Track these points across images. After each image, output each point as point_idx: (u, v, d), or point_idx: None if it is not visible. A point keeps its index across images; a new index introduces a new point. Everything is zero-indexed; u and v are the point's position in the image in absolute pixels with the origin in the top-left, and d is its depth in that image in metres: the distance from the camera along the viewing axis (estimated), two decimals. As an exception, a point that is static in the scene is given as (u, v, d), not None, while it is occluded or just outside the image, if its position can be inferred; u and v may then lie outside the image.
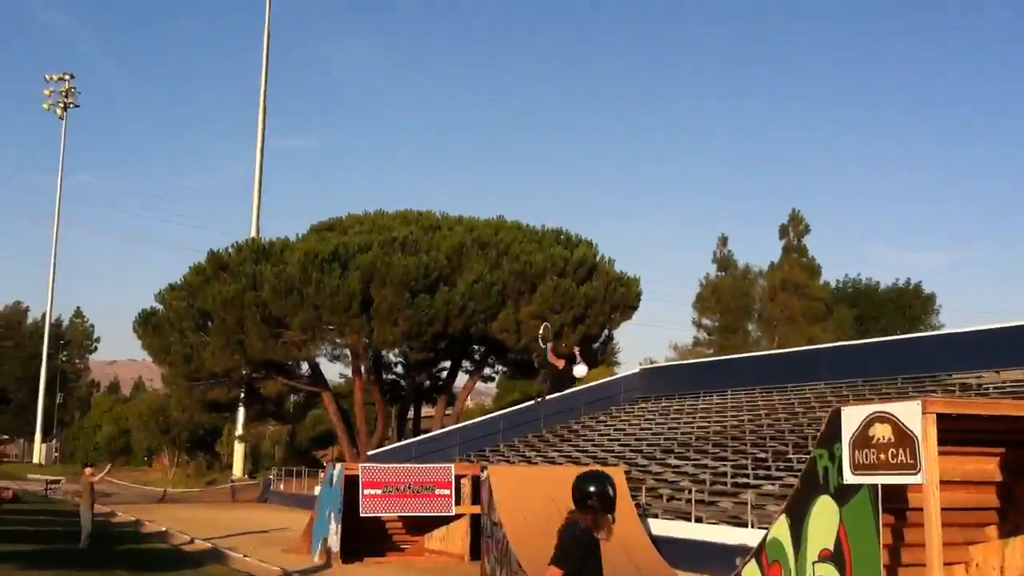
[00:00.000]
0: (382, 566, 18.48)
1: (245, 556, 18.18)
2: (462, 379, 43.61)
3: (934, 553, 7.40)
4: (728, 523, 18.69)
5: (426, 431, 38.96)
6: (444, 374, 43.46)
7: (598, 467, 17.71)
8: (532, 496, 15.54)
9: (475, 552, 17.67)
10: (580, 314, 36.66)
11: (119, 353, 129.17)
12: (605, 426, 32.70)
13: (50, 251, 77.57)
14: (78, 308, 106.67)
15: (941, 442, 7.60)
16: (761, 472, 21.56)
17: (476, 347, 40.93)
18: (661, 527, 18.82)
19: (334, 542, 18.40)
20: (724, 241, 57.12)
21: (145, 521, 27.72)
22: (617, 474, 16.38)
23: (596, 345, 41.25)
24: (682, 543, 17.67)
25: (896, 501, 8.23)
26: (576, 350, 14.11)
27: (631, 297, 39.89)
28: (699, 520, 19.25)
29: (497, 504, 15.87)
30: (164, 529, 24.83)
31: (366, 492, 17.93)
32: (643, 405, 34.58)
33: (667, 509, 20.75)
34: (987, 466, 8.78)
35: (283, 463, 49.01)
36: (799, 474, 9.96)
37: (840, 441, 8.33)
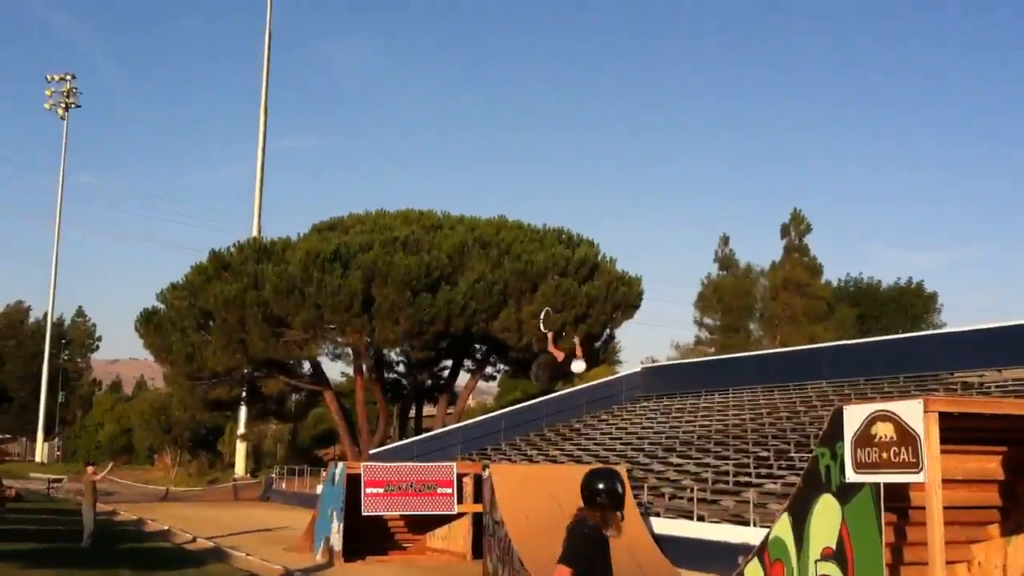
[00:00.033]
0: (384, 565, 18.48)
1: (247, 555, 18.20)
2: (463, 378, 43.66)
3: (936, 552, 7.40)
4: (730, 522, 18.70)
5: (428, 430, 38.98)
6: (446, 373, 43.48)
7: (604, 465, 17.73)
8: (534, 495, 15.55)
9: (477, 551, 17.68)
10: (582, 313, 36.64)
11: (121, 352, 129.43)
12: (607, 425, 32.72)
13: (52, 251, 77.72)
14: (80, 307, 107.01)
15: (943, 441, 7.60)
16: (763, 471, 21.57)
17: (478, 346, 40.92)
18: (663, 526, 18.83)
19: (336, 541, 18.42)
20: (726, 240, 57.15)
21: (147, 520, 27.76)
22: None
23: (598, 344, 41.23)
24: (684, 542, 17.68)
25: (898, 500, 8.24)
26: (578, 346, 14.02)
27: (633, 296, 39.87)
28: (701, 519, 19.26)
29: (499, 503, 15.87)
30: (166, 528, 24.86)
31: (368, 491, 17.94)
32: (645, 404, 34.59)
33: (669, 508, 20.77)
34: (989, 465, 8.78)
35: (285, 462, 49.04)
36: (801, 473, 9.96)
37: (842, 440, 8.33)
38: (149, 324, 39.80)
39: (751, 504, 18.35)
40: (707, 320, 55.97)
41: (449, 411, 42.16)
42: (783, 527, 9.18)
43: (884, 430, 7.89)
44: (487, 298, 35.86)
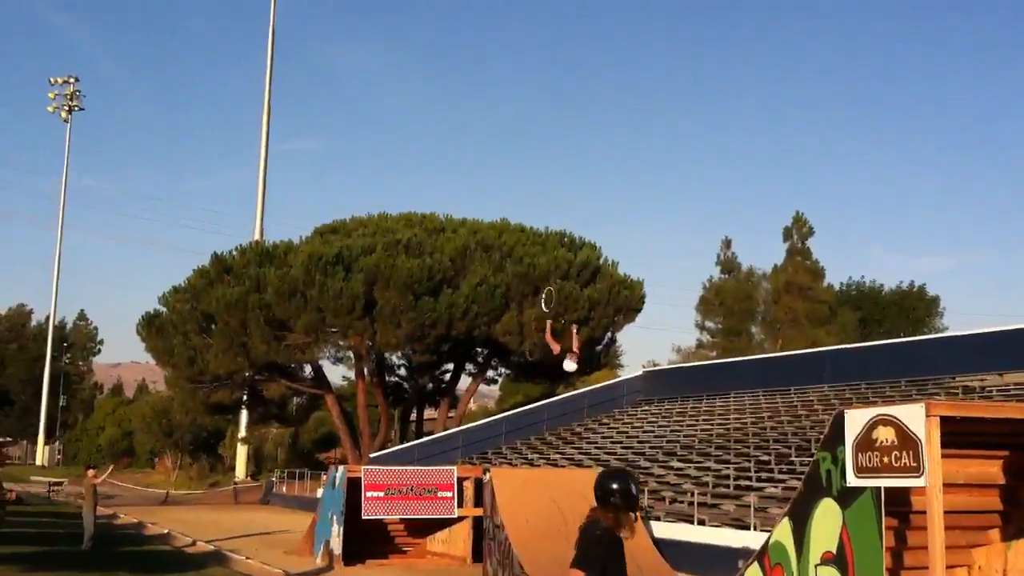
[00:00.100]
0: (384, 568, 18.47)
1: (247, 558, 18.18)
2: (465, 381, 43.66)
3: (937, 556, 7.38)
4: (731, 526, 18.67)
5: (429, 433, 38.94)
6: (447, 376, 43.47)
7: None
8: (534, 499, 15.54)
9: (477, 554, 17.66)
10: (584, 317, 36.61)
11: (122, 355, 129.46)
12: (608, 428, 32.68)
13: (54, 254, 77.85)
14: (82, 311, 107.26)
15: (944, 445, 7.58)
16: (764, 475, 21.53)
17: (479, 350, 40.91)
18: (664, 530, 18.80)
19: (336, 544, 18.40)
20: (728, 244, 57.09)
21: (147, 523, 27.75)
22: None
23: (599, 348, 41.24)
24: (685, 546, 17.66)
25: (899, 504, 8.22)
26: (575, 339, 13.80)
27: (635, 300, 39.85)
28: (702, 523, 19.23)
29: (499, 506, 15.86)
30: (166, 531, 24.85)
31: (368, 494, 17.92)
32: (646, 408, 34.56)
33: (670, 512, 20.74)
34: (990, 469, 8.76)
35: (286, 465, 49.04)
36: (802, 477, 9.94)
37: (843, 444, 8.31)
38: (151, 327, 39.82)
39: (752, 508, 18.33)
40: (709, 324, 55.93)
41: (450, 415, 42.13)
42: (784, 531, 9.16)
43: (885, 434, 7.87)
44: (489, 301, 35.85)
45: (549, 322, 13.96)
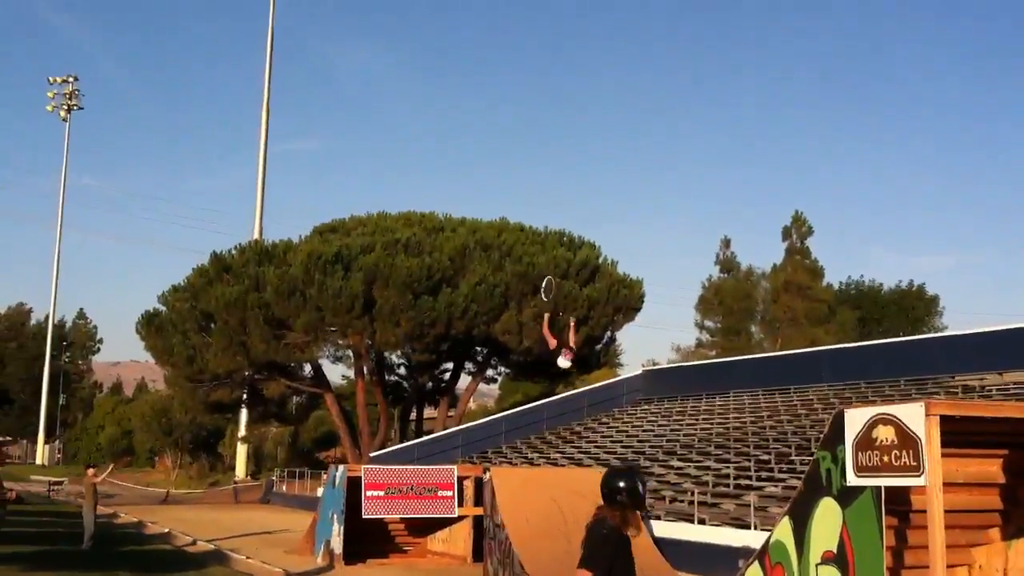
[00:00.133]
0: (385, 568, 18.48)
1: (248, 558, 18.18)
2: (464, 381, 43.65)
3: (937, 555, 7.39)
4: (731, 525, 18.67)
5: (428, 432, 38.95)
6: (447, 375, 43.46)
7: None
8: (535, 498, 15.55)
9: (477, 554, 17.67)
10: (583, 316, 36.60)
11: (122, 354, 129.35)
12: (608, 428, 32.69)
13: (53, 253, 77.79)
14: (81, 310, 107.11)
15: (944, 444, 7.59)
16: (764, 474, 21.54)
17: (479, 349, 40.90)
18: (664, 529, 18.81)
19: (337, 544, 18.41)
20: (727, 243, 57.09)
21: (148, 522, 27.75)
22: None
23: (599, 347, 41.24)
24: (685, 545, 17.67)
25: (899, 503, 8.23)
26: (572, 341, 13.59)
27: (634, 299, 39.85)
28: (702, 522, 19.24)
29: (500, 506, 15.86)
30: (167, 530, 24.85)
31: (368, 494, 17.93)
32: (646, 407, 34.57)
33: (670, 511, 20.74)
34: (990, 468, 8.77)
35: (286, 464, 49.02)
36: (802, 476, 9.95)
37: (843, 443, 8.32)
38: (150, 326, 39.81)
39: (752, 507, 18.33)
40: (708, 323, 55.94)
41: (450, 414, 42.12)
42: (784, 530, 9.17)
43: (885, 433, 7.88)
44: (488, 300, 35.84)
45: (547, 314, 13.73)
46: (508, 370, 44.05)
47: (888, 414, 7.92)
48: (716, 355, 48.88)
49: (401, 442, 38.70)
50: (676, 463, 24.97)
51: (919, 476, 7.53)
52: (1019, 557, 8.78)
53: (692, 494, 20.51)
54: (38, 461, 71.59)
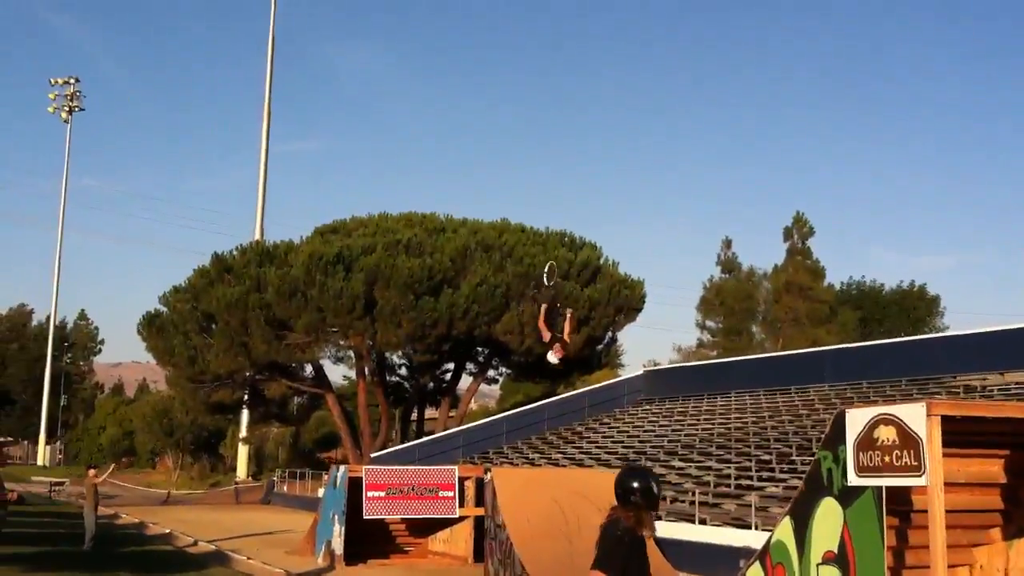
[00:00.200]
0: (386, 568, 18.48)
1: (249, 558, 18.18)
2: (466, 381, 43.63)
3: (938, 555, 7.38)
4: (732, 525, 18.68)
5: (430, 433, 38.96)
6: (448, 376, 43.45)
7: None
8: (536, 498, 15.52)
9: (478, 554, 17.66)
10: (584, 316, 36.62)
11: (123, 355, 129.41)
12: (609, 428, 32.70)
13: (54, 254, 77.84)
14: (82, 310, 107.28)
15: (945, 444, 7.58)
16: (765, 474, 21.54)
17: (480, 349, 40.89)
18: (665, 529, 18.77)
19: (338, 544, 18.40)
20: (728, 244, 57.13)
21: (149, 523, 27.75)
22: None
23: (600, 347, 41.23)
24: (686, 545, 17.66)
25: (900, 503, 8.22)
26: (567, 333, 13.35)
27: (635, 299, 39.84)
28: (703, 522, 19.24)
29: (501, 506, 15.84)
30: (168, 531, 24.85)
31: (370, 494, 17.92)
32: (647, 407, 34.57)
33: (671, 511, 20.74)
34: (991, 468, 8.75)
35: (287, 465, 49.07)
36: (803, 476, 9.94)
37: (844, 443, 8.31)
38: (151, 327, 39.82)
39: (753, 508, 18.34)
40: (709, 323, 55.95)
41: (451, 414, 42.12)
42: (785, 530, 9.16)
43: (886, 433, 7.87)
44: (489, 301, 35.84)
45: (544, 305, 13.38)
46: (509, 371, 44.04)
47: (889, 414, 7.91)
48: (717, 355, 48.87)
49: (402, 443, 38.71)
50: (677, 463, 24.96)
51: (920, 476, 7.52)
52: (1020, 557, 8.77)
53: (693, 494, 20.51)
54: (39, 462, 71.63)
